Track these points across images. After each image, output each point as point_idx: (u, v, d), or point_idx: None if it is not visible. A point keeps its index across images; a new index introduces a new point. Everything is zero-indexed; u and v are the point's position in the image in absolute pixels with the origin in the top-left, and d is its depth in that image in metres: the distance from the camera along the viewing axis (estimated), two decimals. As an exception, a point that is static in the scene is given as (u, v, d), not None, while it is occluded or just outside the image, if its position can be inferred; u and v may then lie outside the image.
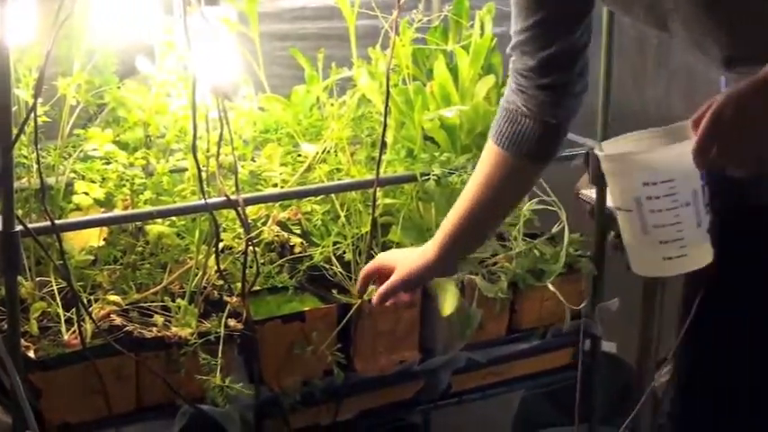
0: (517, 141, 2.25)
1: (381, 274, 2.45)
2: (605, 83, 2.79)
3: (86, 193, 2.50)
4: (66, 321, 2.42)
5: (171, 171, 2.60)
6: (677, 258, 1.88)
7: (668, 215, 1.83)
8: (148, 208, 2.51)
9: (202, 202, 2.44)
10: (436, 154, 2.71)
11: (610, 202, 2.80)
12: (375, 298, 2.45)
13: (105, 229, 2.53)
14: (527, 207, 2.76)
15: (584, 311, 2.83)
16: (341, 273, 2.66)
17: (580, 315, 2.83)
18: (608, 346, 2.95)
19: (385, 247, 2.69)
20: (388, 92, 2.62)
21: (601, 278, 2.84)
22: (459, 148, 2.74)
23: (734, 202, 2.05)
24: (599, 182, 2.79)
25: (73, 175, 2.55)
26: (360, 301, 2.58)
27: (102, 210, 2.51)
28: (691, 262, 1.89)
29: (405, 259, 2.42)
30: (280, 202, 2.63)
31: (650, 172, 1.82)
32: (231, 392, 2.43)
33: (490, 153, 2.29)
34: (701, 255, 1.89)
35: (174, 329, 2.43)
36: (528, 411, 3.44)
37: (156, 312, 2.48)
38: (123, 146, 2.62)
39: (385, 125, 2.63)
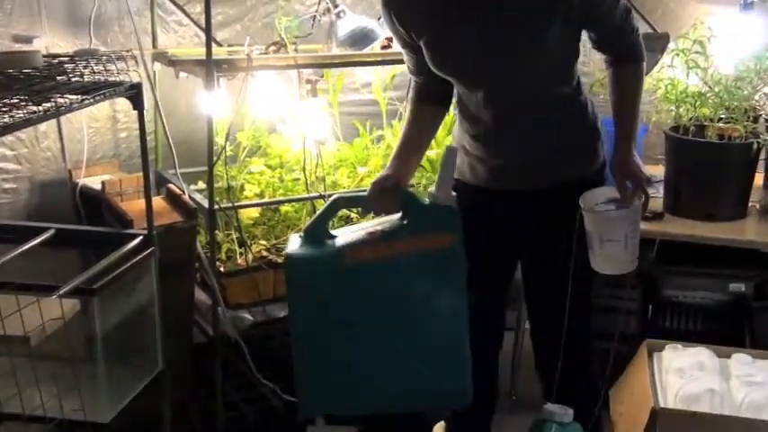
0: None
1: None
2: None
3: (250, 191, 2.56)
4: (239, 254, 2.47)
5: (292, 180, 2.60)
6: (613, 265, 1.87)
7: (611, 244, 1.83)
8: (280, 198, 2.55)
9: (307, 195, 2.50)
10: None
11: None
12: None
13: (259, 208, 2.56)
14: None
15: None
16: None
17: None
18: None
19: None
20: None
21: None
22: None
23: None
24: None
25: (243, 180, 2.59)
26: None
27: (258, 198, 2.54)
28: (620, 267, 1.87)
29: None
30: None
31: (607, 224, 1.83)
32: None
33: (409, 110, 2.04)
34: (627, 264, 1.86)
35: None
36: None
37: (283, 249, 2.33)
38: (269, 167, 2.66)
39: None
